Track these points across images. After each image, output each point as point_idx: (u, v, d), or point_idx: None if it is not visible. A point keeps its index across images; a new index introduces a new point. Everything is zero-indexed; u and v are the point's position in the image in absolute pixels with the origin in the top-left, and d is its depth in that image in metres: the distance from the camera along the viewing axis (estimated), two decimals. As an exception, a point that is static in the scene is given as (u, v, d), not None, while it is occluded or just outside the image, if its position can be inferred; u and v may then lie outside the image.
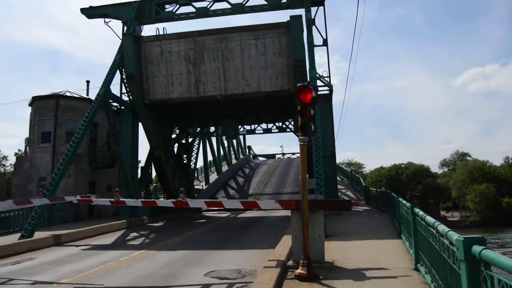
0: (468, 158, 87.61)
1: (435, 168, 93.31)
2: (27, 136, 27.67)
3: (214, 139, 42.93)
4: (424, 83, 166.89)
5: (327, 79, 24.78)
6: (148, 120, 25.81)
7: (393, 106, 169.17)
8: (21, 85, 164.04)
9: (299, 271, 8.29)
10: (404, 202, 11.69)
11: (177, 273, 10.05)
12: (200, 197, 33.11)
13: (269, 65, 23.50)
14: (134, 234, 19.00)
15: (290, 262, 9.30)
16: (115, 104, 26.54)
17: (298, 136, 8.98)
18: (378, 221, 18.42)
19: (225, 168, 45.96)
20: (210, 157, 41.71)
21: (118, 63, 24.24)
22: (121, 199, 11.16)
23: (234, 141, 53.74)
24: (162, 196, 32.82)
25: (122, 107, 26.67)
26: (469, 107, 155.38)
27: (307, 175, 9.22)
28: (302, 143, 8.73)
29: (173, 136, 30.64)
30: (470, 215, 67.62)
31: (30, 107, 28.11)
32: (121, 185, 25.24)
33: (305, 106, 8.46)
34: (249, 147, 63.91)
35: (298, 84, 8.56)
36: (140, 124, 26.99)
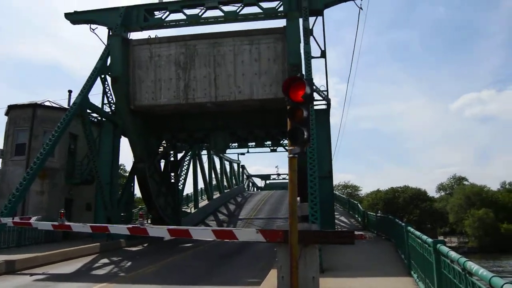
0: (466, 182, 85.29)
1: (432, 192, 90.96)
2: (1, 147, 25.37)
3: (206, 164, 40.67)
4: (421, 107, 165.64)
5: (324, 93, 22.72)
6: (133, 128, 23.82)
7: (390, 129, 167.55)
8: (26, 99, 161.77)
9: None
10: (418, 233, 9.43)
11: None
12: (188, 221, 30.90)
13: (263, 71, 21.78)
14: (105, 260, 16.63)
15: (275, 312, 7.03)
16: (95, 115, 24.38)
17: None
18: (381, 251, 16.09)
19: (216, 196, 43.63)
20: (200, 180, 39.21)
21: (99, 70, 22.32)
22: (66, 223, 8.94)
23: (228, 165, 51.65)
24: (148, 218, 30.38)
25: (103, 119, 24.43)
26: (466, 132, 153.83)
27: (298, 199, 7.00)
28: (291, 155, 6.58)
29: (160, 150, 28.36)
30: (468, 241, 65.24)
31: (6, 117, 25.83)
32: (98, 204, 23.00)
33: (296, 106, 6.33)
34: (243, 167, 61.53)
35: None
36: (121, 139, 24.86)
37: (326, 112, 22.79)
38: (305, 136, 6.23)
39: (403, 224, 12.53)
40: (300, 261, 6.94)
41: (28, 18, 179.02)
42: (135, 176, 26.23)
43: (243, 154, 58.99)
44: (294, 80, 6.40)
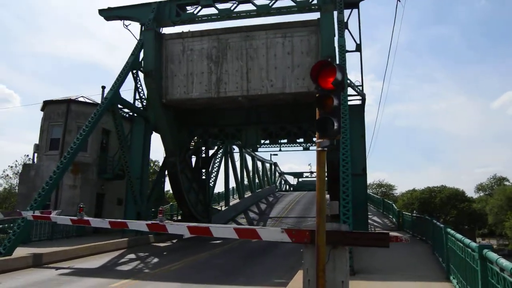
0: (506, 183, 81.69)
1: (470, 193, 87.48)
2: (37, 142, 25.69)
3: (238, 163, 40.18)
4: (461, 105, 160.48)
5: (359, 87, 21.82)
6: (165, 122, 23.71)
7: (428, 128, 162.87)
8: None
9: None
10: (460, 236, 8.59)
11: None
12: (218, 218, 30.59)
13: (296, 64, 21.13)
14: (131, 256, 16.43)
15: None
16: (126, 110, 24.32)
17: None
18: (416, 252, 15.15)
19: (248, 195, 43.20)
20: (232, 178, 38.72)
21: (131, 65, 22.16)
22: (85, 218, 8.61)
23: (260, 164, 51.13)
24: (178, 214, 30.25)
25: (135, 114, 24.36)
26: (508, 131, 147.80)
27: (328, 197, 6.37)
28: (319, 148, 5.93)
29: (191, 145, 28.11)
30: (509, 243, 62.56)
31: (42, 112, 26.16)
32: (128, 199, 22.90)
33: (325, 93, 5.70)
34: (275, 164, 60.77)
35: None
36: (153, 136, 24.79)
37: (360, 108, 21.94)
38: (335, 127, 5.58)
39: (442, 225, 11.62)
40: (328, 264, 6.33)
41: (65, 17, 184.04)
42: (166, 172, 26.13)
43: (276, 154, 58.73)
44: (324, 65, 5.77)
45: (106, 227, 8.85)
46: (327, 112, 5.70)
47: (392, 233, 6.80)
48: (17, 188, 37.09)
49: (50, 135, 25.05)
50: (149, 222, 7.84)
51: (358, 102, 22.09)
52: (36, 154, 25.53)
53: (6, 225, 16.21)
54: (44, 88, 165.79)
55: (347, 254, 6.75)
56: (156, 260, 15.66)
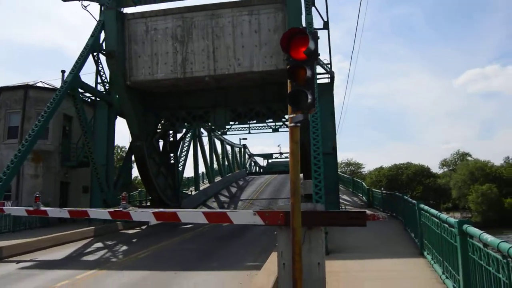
0: (469, 158, 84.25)
1: (435, 169, 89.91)
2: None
3: (207, 147, 39.50)
4: (424, 83, 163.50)
5: (328, 66, 21.54)
6: (129, 105, 22.65)
7: (393, 107, 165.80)
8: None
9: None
10: (435, 211, 8.43)
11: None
12: (189, 203, 29.99)
13: (264, 42, 20.53)
14: (98, 244, 15.77)
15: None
16: (88, 95, 23.33)
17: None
18: (389, 229, 15.07)
19: (218, 179, 42.76)
20: (201, 163, 38.08)
21: (91, 47, 21.10)
22: (42, 208, 7.95)
23: (229, 149, 50.62)
24: (147, 200, 29.53)
25: (97, 99, 23.37)
26: (469, 108, 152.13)
27: (301, 175, 5.96)
28: (292, 124, 5.51)
29: (159, 129, 27.29)
30: (472, 216, 64.64)
31: (-3, 100, 24.78)
32: (94, 187, 22.01)
33: (298, 64, 5.25)
34: (245, 146, 60.38)
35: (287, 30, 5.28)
36: (118, 120, 23.91)
37: (329, 86, 21.70)
38: (309, 100, 5.15)
39: (415, 201, 11.51)
40: (304, 245, 5.97)
41: (22, 3, 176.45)
42: (133, 157, 25.29)
43: (245, 138, 58.43)
44: (294, 33, 5.29)
45: (65, 217, 8.21)
46: (300, 85, 5.26)
47: (368, 211, 6.51)
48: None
49: (8, 123, 23.80)
50: (112, 209, 7.27)
51: (327, 81, 21.85)
52: (-7, 143, 24.22)
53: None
54: (3, 77, 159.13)
55: (323, 235, 6.41)
56: (124, 248, 15.08)
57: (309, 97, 5.18)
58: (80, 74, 20.53)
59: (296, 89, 5.27)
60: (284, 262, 6.25)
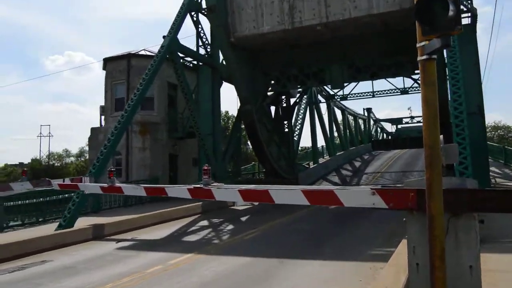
0: None
1: None
2: (103, 104, 25.61)
3: (325, 116, 37.85)
4: None
5: (468, 2, 18.49)
6: (235, 64, 22.17)
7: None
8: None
9: None
10: None
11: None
12: (306, 176, 29.19)
13: (385, -22, 18.39)
14: (203, 223, 15.53)
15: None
16: (189, 59, 23.20)
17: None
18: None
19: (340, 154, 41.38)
20: (319, 132, 36.43)
21: (188, 6, 20.70)
22: (117, 185, 7.29)
23: (352, 120, 48.45)
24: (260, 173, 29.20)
25: (200, 63, 23.11)
26: None
27: (441, 137, 4.27)
28: (425, 56, 3.84)
29: (270, 93, 26.50)
30: None
31: (104, 71, 25.88)
32: (201, 159, 22.04)
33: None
34: (369, 110, 57.31)
35: None
36: (222, 86, 23.58)
37: (471, 28, 18.64)
38: (451, 13, 3.41)
39: None
40: (448, 240, 4.31)
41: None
42: (243, 124, 24.84)
43: (369, 108, 55.34)
44: None
45: (140, 195, 7.57)
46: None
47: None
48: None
49: (115, 95, 24.79)
50: (191, 186, 6.34)
51: (467, 21, 18.80)
52: (103, 117, 25.49)
53: (67, 195, 15.99)
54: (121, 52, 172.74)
55: (476, 224, 4.63)
56: (230, 227, 14.55)
57: (451, 7, 3.43)
58: (180, 39, 20.39)
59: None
60: (417, 262, 4.67)
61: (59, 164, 68.09)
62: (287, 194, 5.59)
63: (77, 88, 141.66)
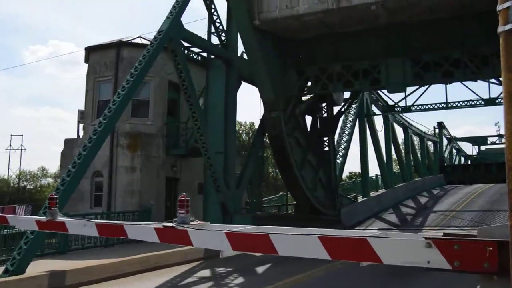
0: None
1: None
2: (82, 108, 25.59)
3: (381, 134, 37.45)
4: None
5: None
6: (260, 56, 22.01)
7: None
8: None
9: None
10: None
11: None
12: (351, 213, 28.82)
13: None
14: (204, 273, 15.26)
15: None
16: (196, 50, 23.11)
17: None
18: None
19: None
20: (371, 156, 36.36)
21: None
22: (60, 219, 6.58)
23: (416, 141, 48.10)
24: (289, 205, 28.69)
25: (211, 56, 22.98)
26: None
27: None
28: (509, 26, 3.19)
29: (304, 96, 26.31)
30: None
31: (86, 65, 25.92)
32: (207, 184, 21.58)
33: None
34: (441, 125, 56.38)
35: None
36: (242, 88, 23.48)
37: None
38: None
39: None
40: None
41: None
42: (266, 135, 24.70)
43: (440, 122, 54.56)
44: None
45: (90, 235, 6.88)
46: None
47: None
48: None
49: (98, 96, 24.76)
50: (160, 224, 5.64)
51: None
52: (82, 125, 25.41)
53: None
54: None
55: None
56: (240, 281, 13.94)
57: None
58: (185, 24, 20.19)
59: None
60: None
61: (32, 187, 68.98)
62: (296, 242, 4.92)
63: (62, 88, 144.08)
